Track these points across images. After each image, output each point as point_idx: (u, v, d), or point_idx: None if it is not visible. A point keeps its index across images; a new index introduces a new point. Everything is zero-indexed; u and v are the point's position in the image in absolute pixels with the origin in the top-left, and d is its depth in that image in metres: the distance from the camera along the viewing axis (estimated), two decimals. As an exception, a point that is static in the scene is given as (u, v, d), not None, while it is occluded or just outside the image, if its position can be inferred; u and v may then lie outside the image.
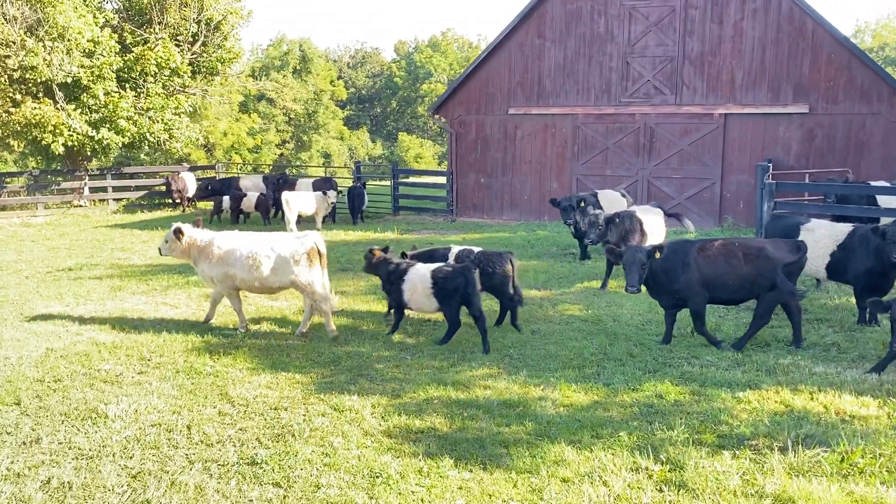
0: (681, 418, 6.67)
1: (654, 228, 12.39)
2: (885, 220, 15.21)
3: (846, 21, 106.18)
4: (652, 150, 19.09)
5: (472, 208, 21.16)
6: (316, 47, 67.83)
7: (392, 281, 9.43)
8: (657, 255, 8.80)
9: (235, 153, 52.04)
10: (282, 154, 60.92)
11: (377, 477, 5.68)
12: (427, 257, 10.21)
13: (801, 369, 8.20)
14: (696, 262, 8.76)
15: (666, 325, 9.41)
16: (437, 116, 21.42)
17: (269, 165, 47.02)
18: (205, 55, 26.06)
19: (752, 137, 18.07)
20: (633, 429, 6.46)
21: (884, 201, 14.92)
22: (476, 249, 10.16)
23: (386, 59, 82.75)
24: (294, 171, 45.22)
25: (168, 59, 23.86)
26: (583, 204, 12.25)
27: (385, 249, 9.88)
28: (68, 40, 21.39)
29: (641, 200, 19.39)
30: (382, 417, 6.88)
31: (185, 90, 25.41)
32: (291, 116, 62.38)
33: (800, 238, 10.98)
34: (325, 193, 20.09)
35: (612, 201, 14.51)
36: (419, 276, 9.23)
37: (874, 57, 65.30)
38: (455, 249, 10.28)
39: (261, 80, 60.02)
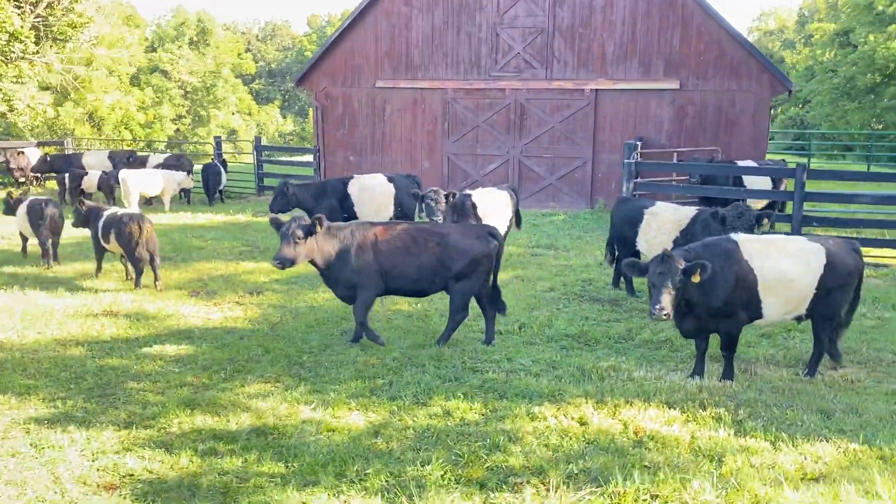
0: (451, 447, 5.62)
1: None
2: (752, 202, 14.81)
3: (753, 5, 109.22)
4: (523, 128, 18.16)
5: (340, 188, 19.80)
6: (213, 18, 64.27)
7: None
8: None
9: (125, 128, 48.75)
10: (178, 129, 57.69)
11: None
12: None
13: (620, 373, 7.34)
14: (375, 247, 7.81)
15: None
16: (300, 88, 19.87)
17: (164, 142, 44.15)
18: (52, 19, 23.51)
19: (624, 114, 17.37)
20: (393, 462, 5.37)
21: (750, 182, 14.44)
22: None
23: (297, 32, 79.86)
24: (193, 147, 42.64)
25: (4, 22, 21.32)
26: (452, 199, 10.92)
27: None
28: None
29: (513, 181, 18.49)
30: (94, 457, 5.56)
31: (27, 57, 22.84)
32: (188, 90, 59.05)
33: (643, 222, 10.25)
34: (189, 173, 18.41)
35: (493, 201, 11.86)
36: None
37: (774, 39, 67.10)
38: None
39: (157, 52, 56.51)
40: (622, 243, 10.48)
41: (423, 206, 10.86)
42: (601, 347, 8.35)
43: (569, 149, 17.94)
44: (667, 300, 6.28)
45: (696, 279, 6.32)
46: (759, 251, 6.85)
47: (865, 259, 12.74)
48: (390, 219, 12.81)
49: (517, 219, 12.25)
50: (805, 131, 39.07)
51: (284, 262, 7.55)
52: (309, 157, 21.04)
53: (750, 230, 9.06)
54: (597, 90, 17.42)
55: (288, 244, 7.50)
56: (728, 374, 7.14)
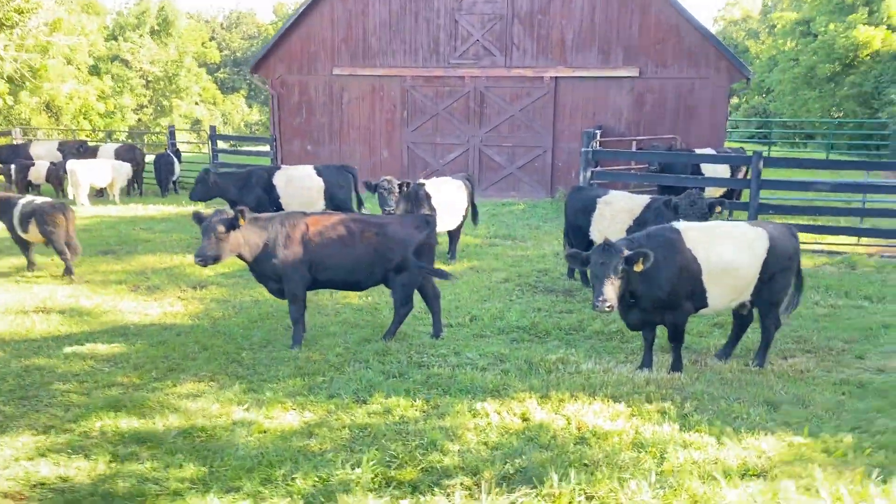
0: (387, 448, 5.38)
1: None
2: (711, 191, 14.75)
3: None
4: (483, 116, 17.90)
5: (298, 179, 19.36)
6: (176, 6, 62.85)
7: None
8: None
9: (84, 118, 47.56)
10: (139, 120, 56.49)
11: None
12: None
13: (568, 366, 7.16)
14: (305, 238, 7.48)
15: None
16: (256, 76, 19.37)
17: (125, 132, 43.11)
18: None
19: (584, 103, 17.20)
20: (324, 465, 5.12)
21: (708, 170, 14.38)
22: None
23: (263, 20, 78.54)
24: (153, 137, 41.76)
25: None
26: (406, 188, 10.61)
27: None
28: None
29: (473, 171, 18.26)
30: (5, 465, 5.22)
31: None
32: (150, 80, 57.80)
33: (597, 211, 10.09)
34: (138, 164, 17.84)
35: (448, 191, 11.52)
36: None
37: (738, 29, 67.61)
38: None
39: (118, 41, 55.11)
40: (576, 233, 10.32)
41: (377, 195, 10.61)
42: (552, 339, 8.17)
43: (529, 137, 17.73)
44: (610, 291, 6.10)
45: (638, 268, 6.15)
46: (701, 239, 6.71)
47: (822, 247, 12.85)
48: None
49: (473, 209, 12.03)
50: (768, 120, 39.41)
51: (206, 260, 7.19)
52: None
53: (703, 218, 8.95)
54: (556, 78, 17.22)
55: (209, 240, 7.15)
56: (676, 365, 7.01)
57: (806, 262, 11.92)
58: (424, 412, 6.08)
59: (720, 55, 16.02)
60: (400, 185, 10.41)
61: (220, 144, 26.13)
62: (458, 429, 5.70)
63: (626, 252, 6.20)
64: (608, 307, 6.05)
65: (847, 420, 5.73)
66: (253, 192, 11.75)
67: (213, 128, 19.69)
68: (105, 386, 6.65)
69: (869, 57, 35.05)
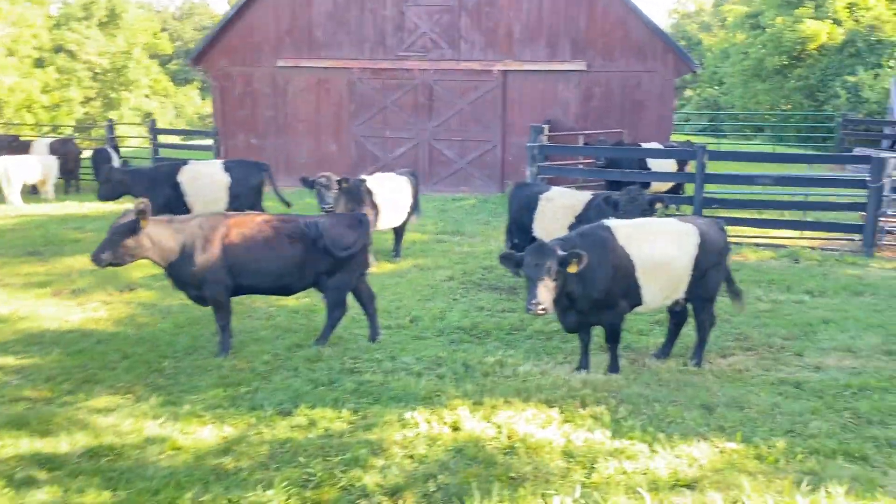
0: (306, 465, 5.10)
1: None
2: (658, 186, 14.72)
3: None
4: (432, 110, 17.61)
5: (243, 174, 18.83)
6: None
7: None
8: None
9: (28, 111, 45.89)
10: (87, 113, 54.77)
11: None
12: None
13: (505, 369, 6.97)
14: (226, 241, 7.06)
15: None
16: (197, 68, 18.77)
17: (71, 126, 41.68)
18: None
19: (532, 97, 17.04)
20: (236, 485, 4.82)
21: (654, 164, 14.34)
22: None
23: (216, 11, 76.92)
24: (101, 131, 40.50)
25: None
26: (345, 184, 10.17)
27: None
28: None
29: (423, 165, 17.98)
30: None
31: None
32: (97, 72, 56.06)
33: (539, 209, 9.92)
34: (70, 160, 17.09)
35: (391, 187, 11.08)
36: None
37: (692, 21, 68.42)
38: None
39: (61, 30, 53.28)
40: (519, 230, 10.12)
41: (315, 192, 10.26)
42: (492, 340, 7.97)
43: (479, 132, 17.52)
44: (544, 294, 5.89)
45: (572, 269, 5.97)
46: (633, 236, 6.59)
47: (766, 241, 12.92)
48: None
49: (416, 206, 11.76)
50: (718, 112, 39.93)
51: (99, 262, 6.81)
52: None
53: (643, 215, 8.83)
54: (505, 71, 17.02)
55: (111, 241, 6.76)
56: (614, 367, 6.87)
57: (750, 257, 11.98)
58: (351, 424, 5.82)
59: (667, 48, 16.00)
60: (339, 182, 10.09)
61: (174, 139, 25.31)
62: (384, 442, 5.45)
63: (561, 253, 6.01)
64: (541, 310, 5.85)
65: (781, 423, 5.63)
66: (161, 190, 11.03)
67: (152, 121, 19.06)
68: (10, 401, 6.23)
69: (816, 50, 35.71)
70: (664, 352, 7.41)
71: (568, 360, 7.28)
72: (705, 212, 12.66)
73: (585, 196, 9.66)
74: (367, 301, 7.86)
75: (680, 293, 6.90)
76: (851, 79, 31.55)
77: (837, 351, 7.54)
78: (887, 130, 24.21)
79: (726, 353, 7.55)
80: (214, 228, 7.14)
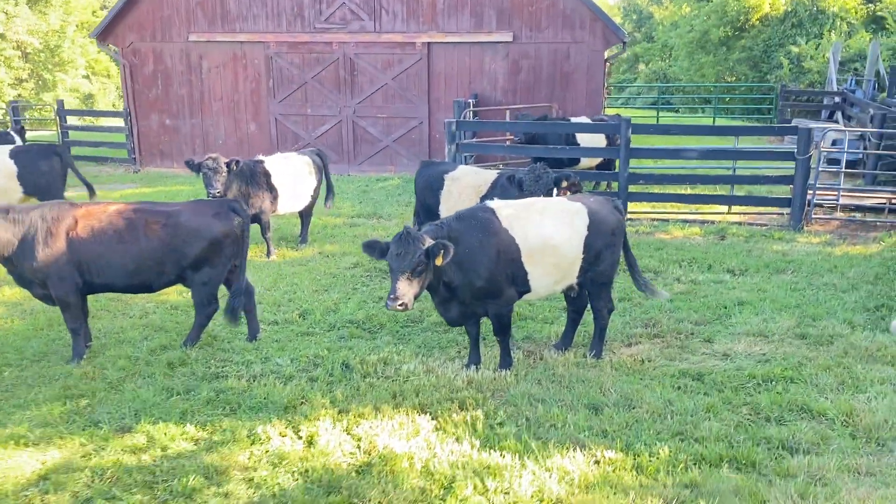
0: (123, 499, 4.40)
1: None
2: (587, 162, 14.16)
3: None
4: (354, 85, 16.74)
5: (159, 156, 17.78)
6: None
7: None
8: None
9: (-46, 93, 43.62)
10: (19, 95, 52.34)
11: None
12: None
13: (388, 367, 6.37)
14: (71, 233, 6.31)
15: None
16: (105, 44, 17.56)
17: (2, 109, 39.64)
18: None
19: (459, 70, 16.30)
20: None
21: (584, 139, 13.74)
22: None
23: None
24: (36, 112, 38.57)
25: None
26: (235, 167, 9.25)
27: None
28: None
29: (348, 144, 17.16)
30: None
31: None
32: (28, 52, 53.51)
33: (444, 188, 9.26)
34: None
35: (292, 168, 10.26)
36: None
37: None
38: None
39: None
40: (426, 212, 9.45)
41: (201, 176, 9.43)
42: (384, 334, 7.35)
43: (404, 108, 16.72)
44: (405, 288, 5.25)
45: (439, 262, 5.33)
46: (518, 217, 6.00)
47: (694, 216, 12.49)
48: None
49: (328, 187, 11.01)
50: (666, 85, 39.71)
51: None
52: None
53: (549, 193, 8.24)
54: (429, 44, 16.22)
55: None
56: (505, 362, 6.29)
57: (677, 234, 11.53)
58: (195, 441, 5.14)
59: (595, 18, 15.38)
60: (228, 164, 9.28)
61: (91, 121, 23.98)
62: (226, 463, 4.79)
63: (428, 242, 5.36)
64: (401, 306, 5.20)
65: (671, 425, 5.11)
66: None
67: (60, 102, 17.83)
68: None
69: (759, 21, 35.59)
70: (564, 342, 6.86)
71: (461, 354, 6.69)
72: (631, 188, 12.17)
73: (491, 175, 9.03)
74: (244, 296, 7.14)
75: (572, 278, 6.35)
76: (794, 49, 31.45)
77: (749, 336, 7.09)
78: (827, 101, 24.06)
79: (632, 340, 7.04)
80: (59, 220, 6.33)
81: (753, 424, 5.15)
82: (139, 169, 17.85)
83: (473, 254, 5.73)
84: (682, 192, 12.88)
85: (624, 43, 16.01)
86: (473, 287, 5.81)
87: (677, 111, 35.94)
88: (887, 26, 30.18)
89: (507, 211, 6.08)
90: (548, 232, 6.07)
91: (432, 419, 5.31)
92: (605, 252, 6.37)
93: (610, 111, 33.01)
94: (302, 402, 5.64)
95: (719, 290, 8.66)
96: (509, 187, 8.41)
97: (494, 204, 6.18)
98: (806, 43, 31.34)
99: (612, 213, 6.51)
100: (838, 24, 32.41)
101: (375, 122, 16.89)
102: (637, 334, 7.16)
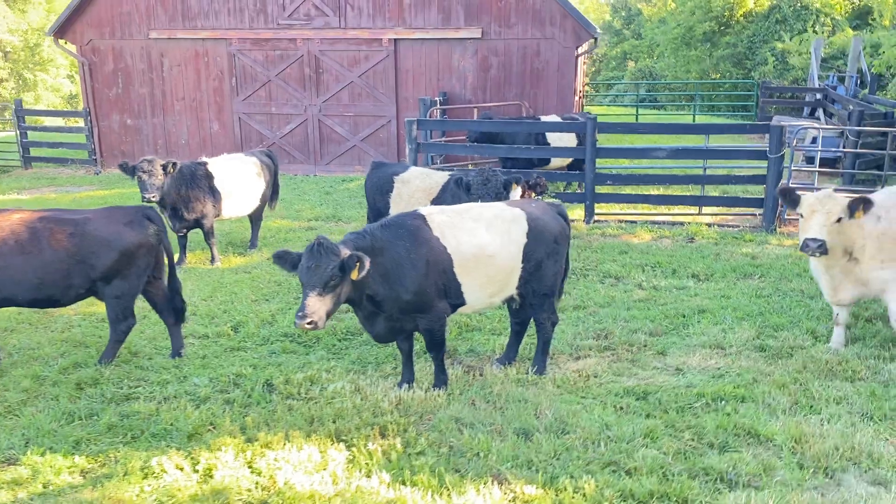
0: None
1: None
2: (556, 162, 13.72)
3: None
4: (320, 83, 16.25)
5: (120, 157, 17.16)
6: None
7: None
8: None
9: (-66, 92, 42.99)
10: (-1, 95, 51.58)
11: None
12: None
13: (315, 387, 5.90)
14: None
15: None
16: (61, 42, 17.02)
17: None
18: None
19: (427, 67, 15.83)
20: None
21: (554, 139, 13.29)
22: None
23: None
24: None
25: None
26: (172, 169, 8.68)
27: None
28: None
29: (314, 144, 16.69)
30: None
31: None
32: (8, 51, 52.78)
33: (394, 191, 8.82)
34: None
35: (236, 170, 9.80)
36: None
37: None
38: None
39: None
40: (376, 216, 8.99)
41: (135, 179, 8.91)
42: (319, 348, 6.90)
43: (371, 106, 16.24)
44: (316, 305, 4.79)
45: (354, 276, 4.87)
46: (450, 224, 5.56)
47: (664, 218, 12.06)
48: None
49: (275, 190, 10.55)
50: (650, 82, 39.37)
51: None
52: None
53: (498, 197, 7.80)
54: (395, 40, 15.74)
55: None
56: (439, 380, 5.84)
57: (644, 237, 11.10)
58: (84, 474, 4.68)
59: (565, 14, 14.92)
60: (164, 166, 8.79)
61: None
62: (109, 501, 4.32)
63: (343, 254, 4.90)
64: (309, 324, 4.74)
65: (604, 453, 4.66)
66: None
67: (17, 101, 17.28)
68: None
69: (743, 16, 35.26)
70: (508, 356, 6.42)
71: (397, 371, 6.24)
72: (598, 189, 11.75)
73: (442, 177, 8.59)
74: (164, 309, 6.68)
75: (511, 289, 5.92)
76: (779, 45, 31.11)
77: (705, 348, 6.66)
78: (809, 98, 23.70)
79: (580, 353, 6.60)
80: None
81: (694, 452, 4.71)
82: (101, 171, 17.32)
83: (400, 265, 5.29)
84: (653, 192, 12.46)
85: (595, 39, 15.56)
86: (401, 301, 5.36)
87: (664, 108, 35.53)
88: (871, 21, 29.85)
89: (440, 218, 5.64)
90: (482, 240, 5.64)
91: (347, 448, 4.85)
92: (546, 261, 5.93)
93: (599, 109, 32.74)
94: (210, 429, 5.19)
95: (680, 297, 8.24)
96: (457, 191, 7.98)
97: (426, 210, 5.74)
98: (790, 39, 31.01)
99: (554, 219, 6.08)
100: (822, 19, 32.10)
101: (342, 120, 16.41)
102: (586, 347, 6.72)
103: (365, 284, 5.16)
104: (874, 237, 6.11)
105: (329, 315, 4.94)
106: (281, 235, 11.17)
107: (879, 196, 6.49)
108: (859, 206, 5.91)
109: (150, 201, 8.61)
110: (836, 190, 7.62)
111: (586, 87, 41.79)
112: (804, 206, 6.04)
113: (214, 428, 5.19)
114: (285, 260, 5.08)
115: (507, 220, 5.77)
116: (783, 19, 33.33)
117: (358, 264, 4.83)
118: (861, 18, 32.16)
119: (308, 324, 4.72)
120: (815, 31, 30.71)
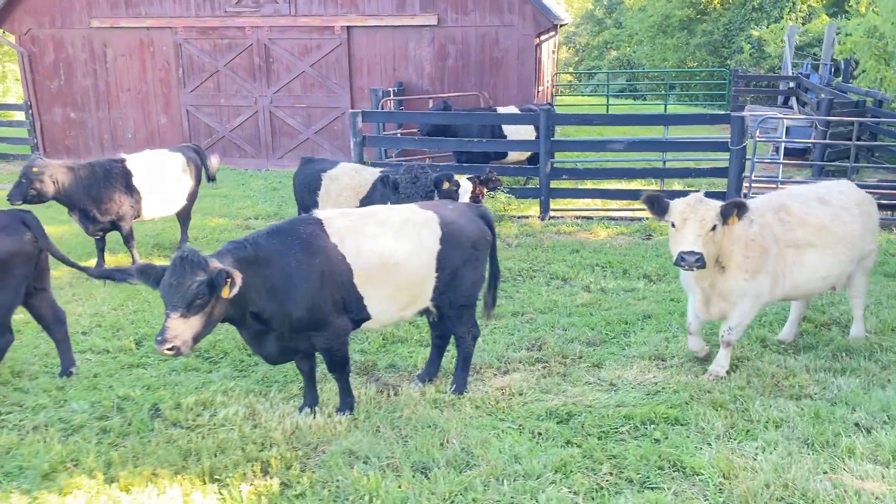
0: None
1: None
2: (514, 155, 13.13)
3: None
4: (270, 74, 15.55)
5: (65, 152, 16.39)
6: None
7: None
8: None
9: None
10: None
11: None
12: None
13: (206, 411, 5.31)
14: None
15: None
16: (-1, 31, 16.23)
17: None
18: None
19: (382, 56, 15.15)
20: None
21: (511, 131, 12.70)
22: None
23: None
24: None
25: None
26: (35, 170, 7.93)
27: None
28: None
29: (265, 137, 16.01)
30: None
31: None
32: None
33: (322, 188, 8.22)
34: None
35: (159, 167, 9.11)
36: None
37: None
38: None
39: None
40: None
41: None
42: (225, 364, 6.32)
43: (325, 97, 15.55)
44: (179, 328, 4.18)
45: (226, 294, 4.27)
46: (351, 230, 4.98)
47: (622, 213, 11.52)
48: None
49: (209, 179, 9.93)
50: (625, 72, 38.84)
51: None
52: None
53: (428, 196, 7.24)
54: (348, 27, 15.04)
55: None
56: (344, 404, 5.26)
57: (600, 234, 10.56)
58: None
59: (524, 0, 14.30)
60: (79, 166, 8.10)
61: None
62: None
63: (212, 269, 4.29)
64: (169, 350, 4.14)
65: (506, 494, 4.11)
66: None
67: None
68: None
69: (720, 4, 34.79)
70: (429, 373, 5.85)
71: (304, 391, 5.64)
72: (553, 183, 11.18)
73: (373, 174, 8.01)
74: (52, 325, 6.05)
75: (425, 301, 5.33)
76: (755, 33, 30.64)
77: (644, 359, 6.12)
78: (782, 86, 23.24)
79: (509, 367, 6.05)
80: None
81: (610, 489, 4.17)
82: (43, 166, 16.50)
83: (290, 277, 4.69)
84: (611, 187, 11.90)
85: (556, 26, 14.96)
86: (291, 318, 4.76)
87: (644, 98, 35.01)
88: (848, 7, 29.42)
89: (339, 223, 5.03)
90: (388, 247, 5.04)
91: (219, 489, 4.27)
92: (463, 269, 5.35)
93: (576, 99, 32.10)
94: (69, 466, 4.58)
95: (627, 300, 7.72)
96: (384, 190, 7.40)
97: (324, 214, 5.14)
98: (767, 27, 30.53)
99: (472, 222, 5.49)
100: (799, 7, 31.68)
101: (294, 112, 15.72)
102: (516, 359, 6.16)
103: (247, 301, 4.57)
104: (742, 243, 5.55)
105: (198, 338, 4.33)
106: (214, 236, 10.53)
107: (755, 201, 6.00)
108: (733, 211, 5.32)
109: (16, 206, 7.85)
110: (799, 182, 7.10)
111: (568, 77, 41.33)
112: (674, 213, 5.39)
113: (76, 465, 4.59)
114: (148, 275, 4.47)
115: (417, 224, 5.17)
116: (760, 7, 32.87)
117: (228, 281, 4.22)
118: (838, 6, 31.74)
119: (168, 349, 4.12)
120: (791, 20, 30.29)
